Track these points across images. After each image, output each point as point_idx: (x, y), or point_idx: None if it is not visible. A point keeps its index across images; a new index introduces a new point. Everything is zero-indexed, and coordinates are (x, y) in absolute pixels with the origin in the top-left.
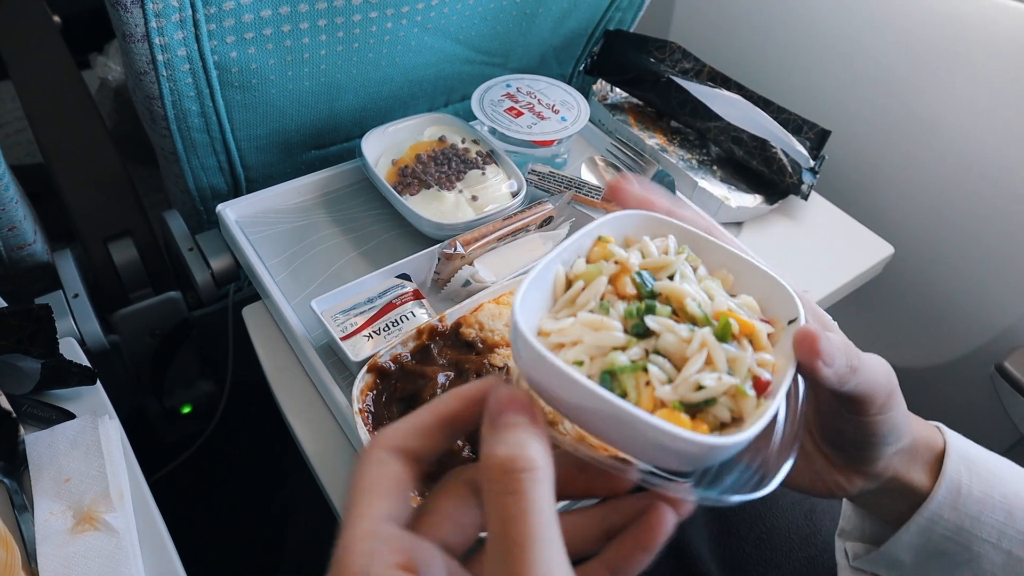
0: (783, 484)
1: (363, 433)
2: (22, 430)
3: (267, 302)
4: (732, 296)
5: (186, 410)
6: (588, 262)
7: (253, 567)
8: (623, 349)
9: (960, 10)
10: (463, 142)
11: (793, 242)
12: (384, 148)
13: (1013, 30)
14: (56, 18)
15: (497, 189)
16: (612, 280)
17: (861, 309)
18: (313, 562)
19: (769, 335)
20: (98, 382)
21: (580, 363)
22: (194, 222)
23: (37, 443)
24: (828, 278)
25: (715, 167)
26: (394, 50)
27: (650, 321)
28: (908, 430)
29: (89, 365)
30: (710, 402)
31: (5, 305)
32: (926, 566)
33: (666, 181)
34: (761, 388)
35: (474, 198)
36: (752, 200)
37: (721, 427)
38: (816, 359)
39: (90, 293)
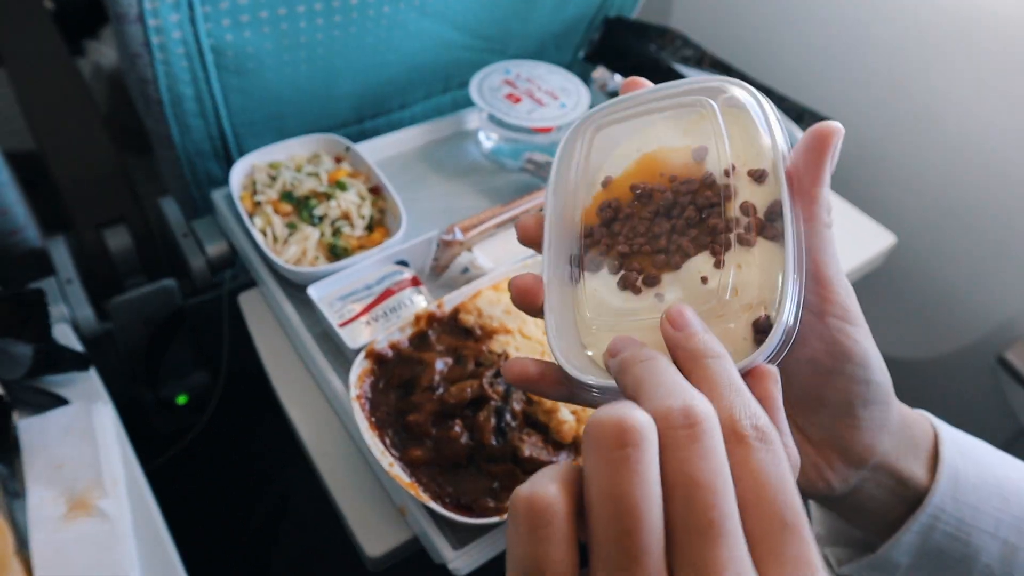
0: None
1: (360, 420)
2: (15, 415)
3: (263, 289)
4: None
5: (181, 400)
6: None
7: (248, 555)
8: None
9: None
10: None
11: None
12: None
13: (1018, 20)
14: (49, 3)
15: None
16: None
17: (863, 299)
18: (308, 550)
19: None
20: (92, 368)
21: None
22: (189, 208)
23: (30, 429)
24: None
25: None
26: (392, 35)
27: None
28: (891, 398)
29: (83, 350)
30: None
31: None
32: (922, 567)
33: None
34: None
35: None
36: None
37: None
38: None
39: (84, 281)
